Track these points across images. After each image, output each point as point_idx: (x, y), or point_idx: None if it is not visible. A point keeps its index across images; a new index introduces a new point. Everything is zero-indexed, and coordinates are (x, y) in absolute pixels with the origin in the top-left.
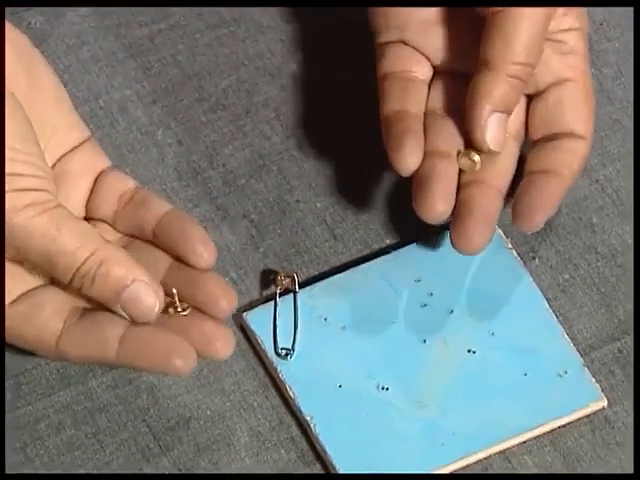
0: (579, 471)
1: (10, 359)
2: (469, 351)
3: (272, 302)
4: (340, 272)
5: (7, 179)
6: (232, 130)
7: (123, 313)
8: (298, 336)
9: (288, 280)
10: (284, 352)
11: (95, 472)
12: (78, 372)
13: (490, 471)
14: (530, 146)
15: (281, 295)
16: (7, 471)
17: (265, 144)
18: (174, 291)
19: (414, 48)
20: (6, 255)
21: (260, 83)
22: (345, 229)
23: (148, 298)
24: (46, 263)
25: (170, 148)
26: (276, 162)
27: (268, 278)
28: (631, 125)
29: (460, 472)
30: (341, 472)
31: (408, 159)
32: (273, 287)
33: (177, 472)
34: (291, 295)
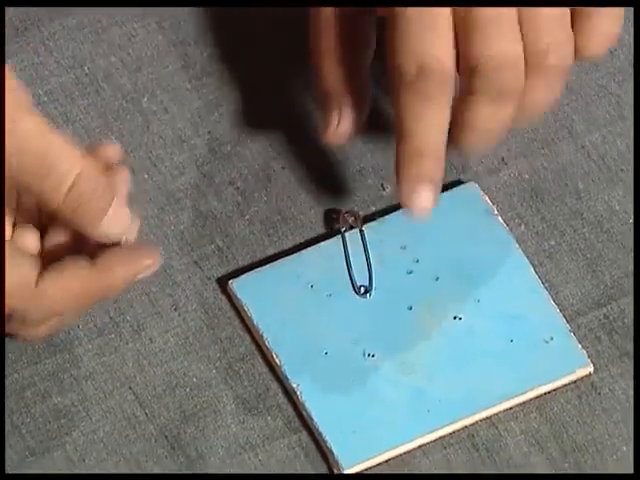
0: (565, 437)
1: None
2: (455, 318)
3: (259, 269)
4: (326, 240)
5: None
6: (217, 97)
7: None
8: (287, 303)
9: (352, 219)
10: (363, 289)
11: (81, 439)
12: (64, 340)
13: (476, 437)
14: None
15: (269, 261)
16: None
17: (250, 111)
18: None
19: None
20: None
21: (245, 51)
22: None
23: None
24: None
25: (155, 116)
26: (262, 129)
27: (253, 245)
28: (619, 92)
29: (446, 438)
30: (327, 438)
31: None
32: (336, 224)
33: (163, 438)
34: (280, 262)
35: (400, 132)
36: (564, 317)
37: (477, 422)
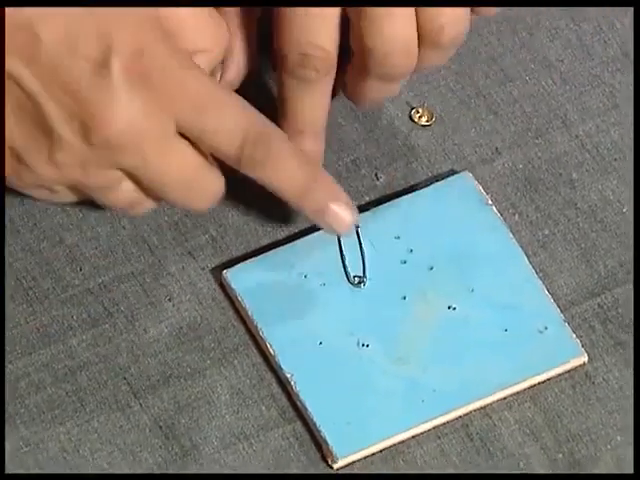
0: (559, 427)
1: None
2: (449, 307)
3: (253, 259)
4: (320, 230)
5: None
6: None
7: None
8: (279, 296)
9: None
10: (357, 280)
11: (75, 430)
12: (58, 330)
13: (470, 427)
14: None
15: (263, 252)
16: None
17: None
18: None
19: None
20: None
21: None
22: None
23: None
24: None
25: None
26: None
27: (247, 235)
28: (612, 81)
29: (440, 428)
30: (321, 428)
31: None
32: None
33: (157, 429)
34: (274, 252)
35: (281, 113)
36: (558, 307)
37: (471, 412)
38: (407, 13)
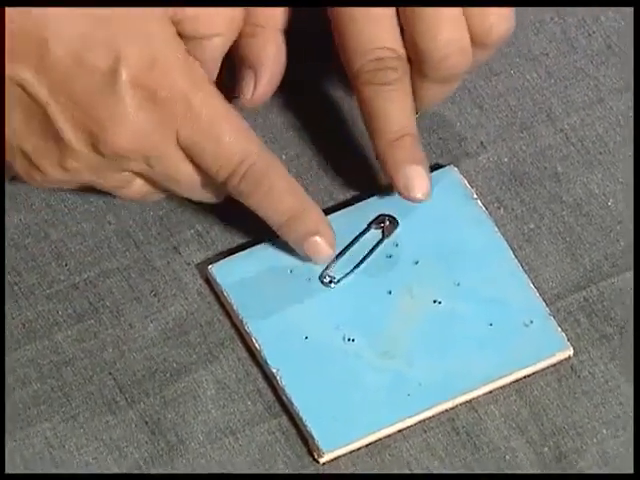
0: (545, 420)
1: None
2: (435, 302)
3: (238, 254)
4: None
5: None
6: None
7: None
8: (265, 290)
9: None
10: (328, 279)
11: (61, 425)
12: (43, 326)
13: (457, 421)
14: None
15: (249, 246)
16: None
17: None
18: None
19: None
20: None
21: None
22: (310, 180)
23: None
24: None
25: None
26: (241, 115)
27: (233, 230)
28: (597, 74)
29: (426, 422)
30: (307, 423)
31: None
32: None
33: (143, 424)
34: (260, 247)
35: (375, 123)
36: (543, 300)
37: (457, 406)
38: (456, 15)
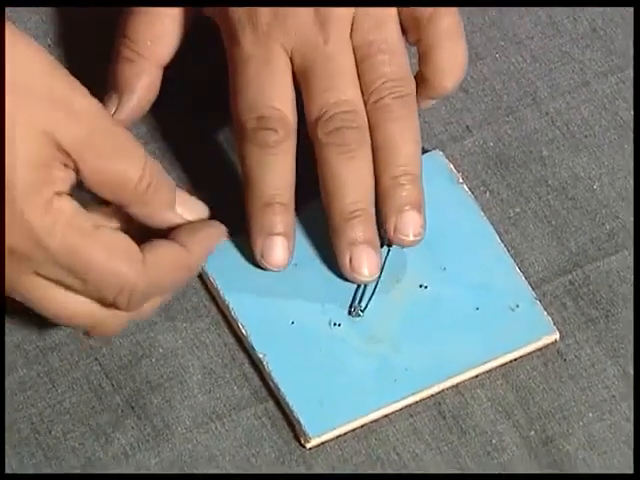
0: (531, 404)
1: None
2: (421, 286)
3: (224, 241)
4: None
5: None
6: None
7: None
8: (251, 276)
9: None
10: (354, 310)
11: (47, 411)
12: (29, 311)
13: (443, 405)
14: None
15: (236, 232)
16: None
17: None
18: None
19: None
20: None
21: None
22: (297, 165)
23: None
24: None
25: None
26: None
27: (219, 218)
28: (582, 58)
29: (413, 406)
30: (293, 408)
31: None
32: None
33: (129, 409)
34: (244, 235)
35: (246, 184)
36: (529, 284)
37: (443, 390)
38: (347, 80)
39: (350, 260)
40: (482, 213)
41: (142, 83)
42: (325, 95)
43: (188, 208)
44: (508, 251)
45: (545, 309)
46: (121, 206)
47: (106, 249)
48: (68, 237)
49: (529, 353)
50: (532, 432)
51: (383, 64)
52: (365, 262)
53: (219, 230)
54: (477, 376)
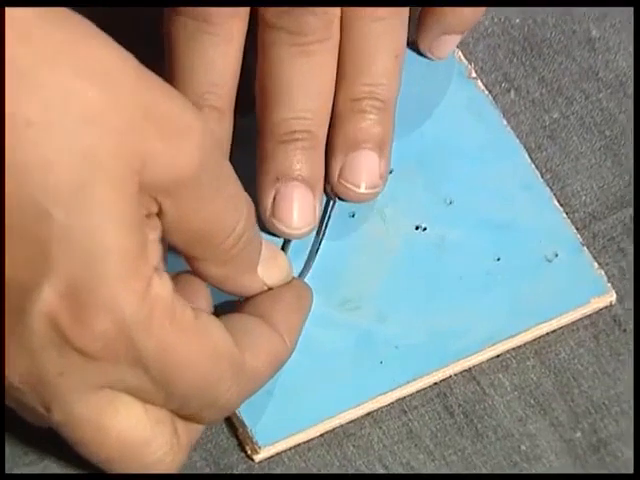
0: (576, 393)
1: None
2: (417, 228)
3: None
4: None
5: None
6: None
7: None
8: None
9: None
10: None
11: None
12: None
13: (450, 397)
14: None
15: None
16: None
17: None
18: None
19: None
20: None
21: None
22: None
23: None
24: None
25: None
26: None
27: None
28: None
29: (407, 399)
30: (240, 412)
31: None
32: None
33: None
34: None
35: (170, 73)
36: (573, 223)
37: (451, 376)
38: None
39: (274, 200)
40: (504, 121)
41: None
42: None
43: (269, 269)
44: (542, 175)
45: (595, 259)
46: (189, 259)
47: (209, 351)
48: (166, 334)
49: (573, 322)
50: (578, 434)
51: None
52: (295, 206)
53: (308, 301)
54: (498, 356)
